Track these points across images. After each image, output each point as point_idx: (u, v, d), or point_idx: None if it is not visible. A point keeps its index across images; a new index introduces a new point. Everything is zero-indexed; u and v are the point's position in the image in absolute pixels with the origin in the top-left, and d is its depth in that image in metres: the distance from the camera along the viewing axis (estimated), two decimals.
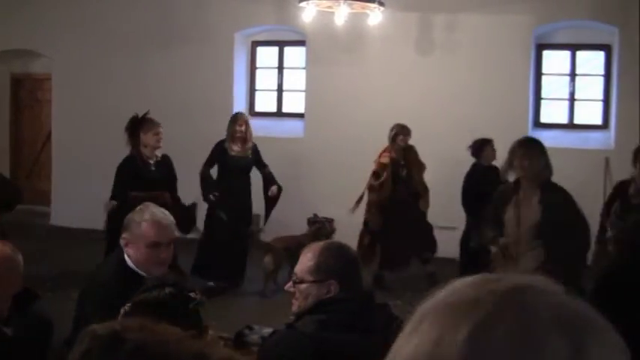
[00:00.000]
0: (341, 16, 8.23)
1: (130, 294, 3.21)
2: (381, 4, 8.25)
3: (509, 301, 0.72)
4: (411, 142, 8.10)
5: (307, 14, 8.39)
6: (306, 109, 10.36)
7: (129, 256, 3.41)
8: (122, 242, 3.44)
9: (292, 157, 9.21)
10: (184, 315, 2.69)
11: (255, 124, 10.72)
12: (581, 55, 9.80)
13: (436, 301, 0.76)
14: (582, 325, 0.72)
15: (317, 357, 2.50)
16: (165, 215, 3.50)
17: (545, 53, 9.84)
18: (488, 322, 0.70)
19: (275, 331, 2.83)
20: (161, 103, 10.24)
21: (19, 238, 7.51)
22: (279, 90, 10.90)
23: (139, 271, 3.38)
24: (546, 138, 8.38)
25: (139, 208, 3.52)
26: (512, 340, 0.69)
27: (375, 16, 8.46)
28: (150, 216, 3.42)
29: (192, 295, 2.71)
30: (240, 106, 10.78)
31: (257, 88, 11.04)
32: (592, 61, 9.83)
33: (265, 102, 11.00)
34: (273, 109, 10.93)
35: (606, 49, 9.53)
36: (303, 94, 10.49)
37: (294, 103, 10.78)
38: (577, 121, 9.71)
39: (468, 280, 0.77)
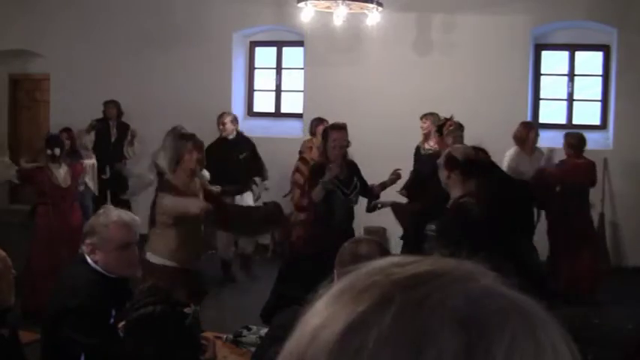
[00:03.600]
0: (339, 16, 8.22)
1: (112, 299, 3.20)
2: (380, 4, 8.24)
3: (404, 291, 0.61)
4: (408, 141, 8.10)
5: (305, 14, 8.39)
6: (304, 109, 10.35)
7: (95, 262, 3.29)
8: (86, 249, 3.30)
9: (291, 157, 9.19)
10: (180, 331, 2.69)
11: (253, 124, 10.74)
12: (579, 55, 9.80)
13: (344, 282, 0.65)
14: (494, 322, 0.60)
15: None
16: (129, 215, 3.45)
17: (544, 54, 9.84)
18: (368, 317, 0.60)
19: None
20: (159, 104, 10.25)
21: (19, 238, 7.52)
22: (278, 90, 10.90)
23: (110, 275, 3.30)
24: (545, 138, 8.39)
25: (101, 211, 3.42)
26: (391, 338, 0.59)
27: (374, 17, 8.46)
28: (117, 217, 3.35)
29: (186, 310, 2.70)
30: (238, 106, 10.78)
31: (255, 88, 11.03)
32: (590, 62, 9.83)
33: (264, 102, 10.99)
34: (272, 109, 10.93)
35: (605, 49, 9.53)
36: (302, 94, 10.49)
37: (293, 103, 10.78)
38: (575, 121, 9.71)
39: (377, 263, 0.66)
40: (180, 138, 5.45)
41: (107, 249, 3.28)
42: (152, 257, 5.03)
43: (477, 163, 4.73)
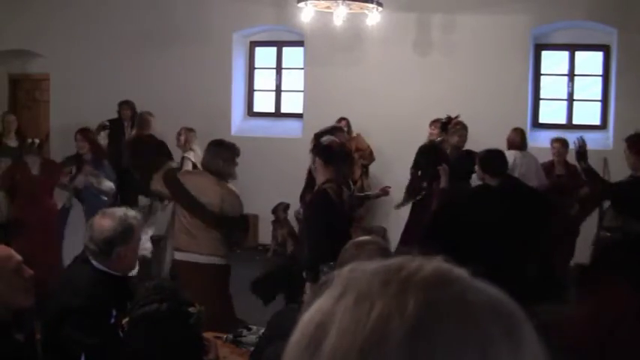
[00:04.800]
0: (339, 16, 8.22)
1: (113, 299, 3.19)
2: (379, 4, 8.24)
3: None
4: (409, 141, 8.10)
5: (306, 14, 8.39)
6: (304, 109, 10.36)
7: (114, 266, 3.27)
8: (116, 255, 3.26)
9: (291, 157, 9.20)
10: (184, 330, 2.68)
11: (253, 124, 10.74)
12: (579, 55, 9.80)
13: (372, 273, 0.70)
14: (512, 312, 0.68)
15: None
16: (132, 213, 3.43)
17: (544, 53, 9.84)
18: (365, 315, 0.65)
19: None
20: (160, 104, 10.24)
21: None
22: (278, 90, 10.90)
23: (115, 273, 3.31)
24: (545, 138, 8.39)
25: (119, 215, 3.35)
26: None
27: (373, 17, 8.46)
28: (134, 215, 3.38)
29: (191, 309, 2.69)
30: (238, 106, 10.78)
31: (255, 88, 11.03)
32: (590, 62, 9.83)
33: (264, 102, 10.99)
34: (272, 109, 10.93)
35: (605, 49, 9.53)
36: (302, 94, 10.49)
37: (293, 103, 10.78)
38: (575, 121, 9.71)
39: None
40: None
41: (134, 250, 3.33)
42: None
43: (336, 151, 5.10)
